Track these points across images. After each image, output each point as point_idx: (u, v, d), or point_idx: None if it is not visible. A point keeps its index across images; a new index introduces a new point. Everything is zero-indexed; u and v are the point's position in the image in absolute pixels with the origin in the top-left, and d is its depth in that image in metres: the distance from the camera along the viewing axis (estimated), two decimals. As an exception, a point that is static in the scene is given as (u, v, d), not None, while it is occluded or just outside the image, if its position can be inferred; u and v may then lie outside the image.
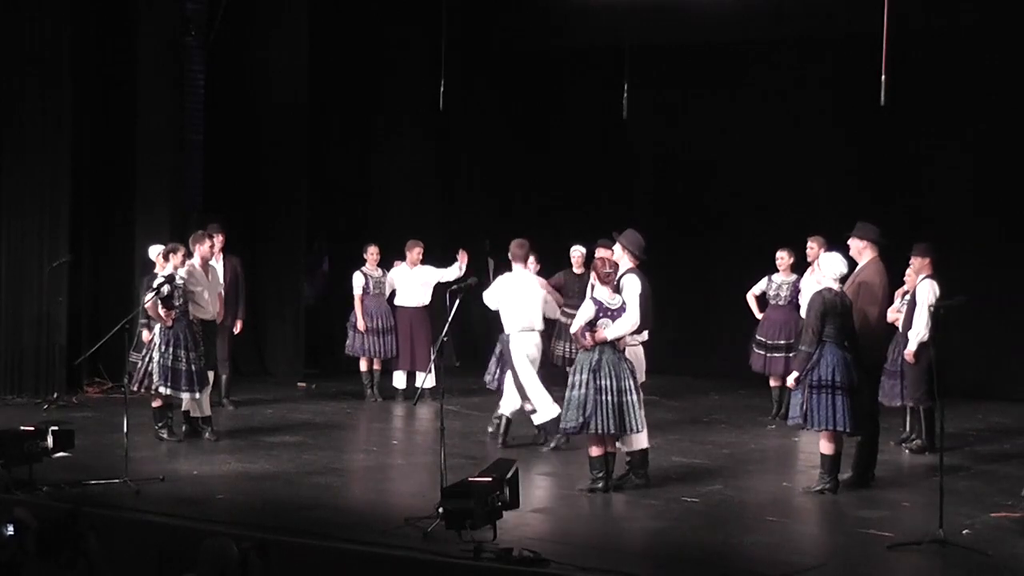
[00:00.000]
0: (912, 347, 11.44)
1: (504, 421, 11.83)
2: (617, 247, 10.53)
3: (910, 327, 11.51)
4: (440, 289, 14.56)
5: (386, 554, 8.16)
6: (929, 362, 11.18)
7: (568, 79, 17.37)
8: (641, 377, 10.24)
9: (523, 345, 11.68)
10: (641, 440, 10.06)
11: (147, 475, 10.06)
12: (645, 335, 10.37)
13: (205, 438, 11.90)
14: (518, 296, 11.72)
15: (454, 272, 14.13)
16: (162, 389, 11.62)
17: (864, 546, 8.55)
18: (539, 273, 12.40)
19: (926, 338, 11.35)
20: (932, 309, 10.99)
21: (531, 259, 12.20)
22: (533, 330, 11.78)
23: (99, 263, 15.17)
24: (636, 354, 10.22)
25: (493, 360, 12.35)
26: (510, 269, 12.00)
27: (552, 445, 11.58)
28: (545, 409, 11.59)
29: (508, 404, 11.79)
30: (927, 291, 11.41)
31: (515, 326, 11.71)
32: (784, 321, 13.28)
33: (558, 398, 11.00)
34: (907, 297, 11.74)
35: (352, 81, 17.03)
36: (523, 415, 11.95)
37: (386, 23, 16.91)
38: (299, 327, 16.24)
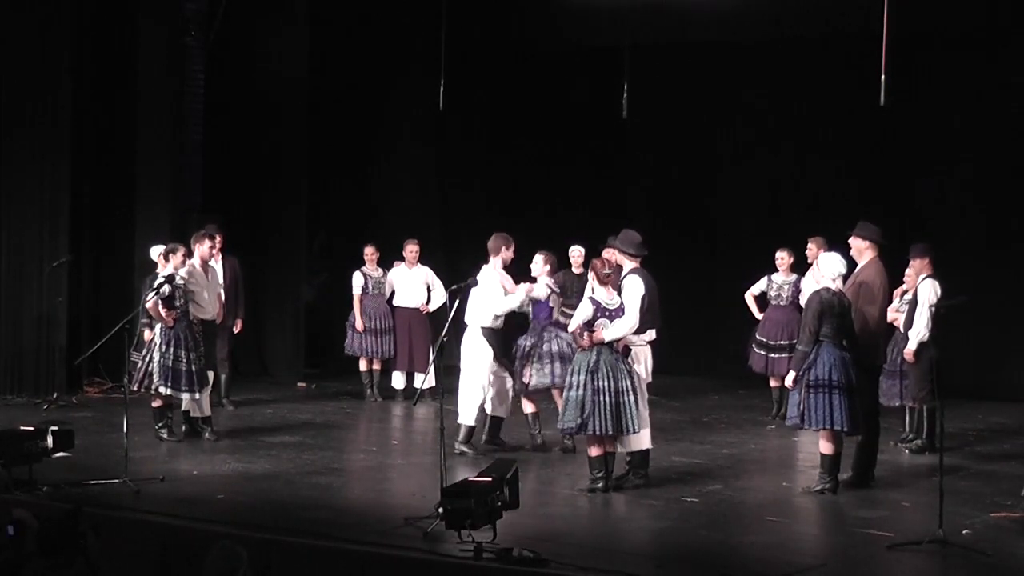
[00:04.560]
0: (912, 346, 11.44)
1: (489, 421, 11.68)
2: (615, 251, 10.46)
3: (910, 327, 11.51)
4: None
5: (386, 554, 8.15)
6: (930, 361, 11.19)
7: (568, 79, 17.35)
8: (647, 378, 10.21)
9: (470, 342, 11.53)
10: (642, 440, 10.03)
11: (147, 475, 10.06)
12: (652, 334, 10.20)
13: (205, 438, 11.90)
14: (476, 292, 11.49)
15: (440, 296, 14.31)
16: (162, 389, 11.62)
17: (864, 546, 8.55)
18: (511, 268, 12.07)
19: (926, 338, 11.35)
20: (933, 308, 10.99)
21: (508, 252, 11.69)
22: (474, 325, 11.49)
23: (99, 263, 15.18)
24: (642, 354, 10.15)
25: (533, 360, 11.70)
26: (506, 269, 11.88)
27: (539, 441, 11.48)
28: (465, 413, 11.45)
29: (490, 405, 11.59)
30: (928, 291, 11.40)
31: (470, 321, 11.55)
32: (786, 321, 13.27)
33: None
34: (907, 297, 11.74)
35: (352, 81, 17.03)
36: (517, 417, 11.93)
37: (386, 23, 16.89)
38: (299, 327, 16.22)
